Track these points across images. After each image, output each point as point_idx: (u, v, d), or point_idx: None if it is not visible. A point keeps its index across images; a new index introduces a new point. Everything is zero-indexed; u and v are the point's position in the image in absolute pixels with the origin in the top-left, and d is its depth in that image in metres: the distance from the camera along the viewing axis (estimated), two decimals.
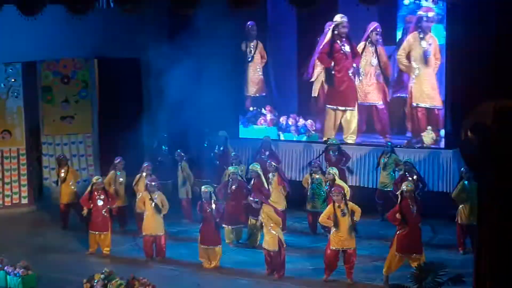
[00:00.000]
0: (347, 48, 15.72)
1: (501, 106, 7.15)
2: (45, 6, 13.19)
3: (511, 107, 7.15)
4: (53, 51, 16.47)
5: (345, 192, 12.12)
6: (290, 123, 16.38)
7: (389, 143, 14.87)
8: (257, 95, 16.95)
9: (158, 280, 11.48)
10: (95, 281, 11.26)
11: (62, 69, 17.07)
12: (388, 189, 14.54)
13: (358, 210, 11.87)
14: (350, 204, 11.87)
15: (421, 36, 14.86)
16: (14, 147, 16.45)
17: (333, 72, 15.86)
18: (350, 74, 15.80)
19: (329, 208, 12.00)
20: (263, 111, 16.80)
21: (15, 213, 16.12)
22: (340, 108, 15.88)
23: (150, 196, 13.03)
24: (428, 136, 15.04)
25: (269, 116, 16.67)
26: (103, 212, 13.42)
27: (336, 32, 15.68)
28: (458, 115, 14.45)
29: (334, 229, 11.70)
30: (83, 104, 17.31)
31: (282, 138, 16.54)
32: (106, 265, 11.86)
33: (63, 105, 17.12)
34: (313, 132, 16.23)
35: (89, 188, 13.63)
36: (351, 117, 15.83)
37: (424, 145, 15.06)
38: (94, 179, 13.75)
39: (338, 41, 15.71)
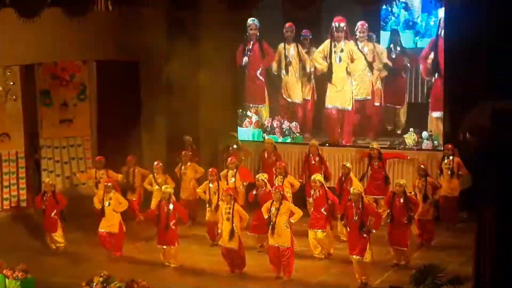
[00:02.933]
0: (255, 48, 16.77)
1: (499, 108, 7.15)
2: (43, 9, 13.19)
3: (509, 108, 7.15)
4: (51, 54, 16.44)
5: (285, 193, 12.64)
6: (275, 125, 16.66)
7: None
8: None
9: (157, 283, 11.49)
10: (94, 284, 11.25)
11: (60, 72, 17.03)
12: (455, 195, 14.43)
13: (298, 212, 12.34)
14: (288, 205, 12.25)
15: (334, 43, 15.80)
16: (12, 150, 16.40)
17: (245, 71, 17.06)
18: (258, 74, 16.80)
19: (267, 204, 12.35)
20: (249, 113, 17.05)
21: (14, 216, 16.08)
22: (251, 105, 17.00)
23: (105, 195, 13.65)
24: (410, 138, 15.40)
25: (254, 118, 16.97)
26: (52, 214, 13.94)
27: (247, 33, 16.75)
28: (456, 117, 14.47)
29: (270, 226, 12.15)
30: (82, 107, 17.27)
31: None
32: (105, 268, 11.84)
33: (61, 108, 17.10)
34: (297, 134, 16.50)
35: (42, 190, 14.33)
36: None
37: (407, 146, 15.42)
38: (46, 181, 14.58)
39: (248, 43, 16.82)
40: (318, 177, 13.23)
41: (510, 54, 13.34)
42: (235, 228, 12.27)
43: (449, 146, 14.36)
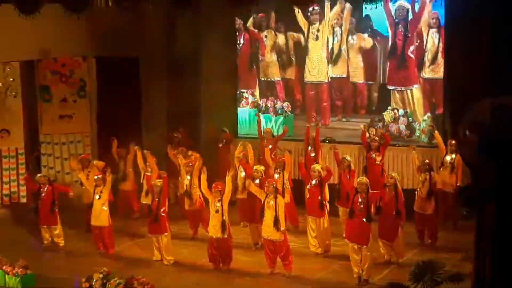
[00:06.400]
0: (246, 39, 17.38)
1: (498, 104, 7.12)
2: (43, 4, 13.18)
3: (508, 104, 7.13)
4: (51, 50, 16.43)
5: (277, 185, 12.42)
6: (268, 105, 17.35)
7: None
8: None
9: (156, 280, 11.49)
10: (94, 280, 11.28)
11: (60, 68, 17.01)
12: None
13: (286, 199, 12.48)
14: (281, 199, 12.19)
15: (313, 24, 16.51)
16: (12, 146, 16.43)
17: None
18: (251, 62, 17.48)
19: (261, 196, 12.37)
20: (245, 94, 17.60)
21: (14, 212, 16.10)
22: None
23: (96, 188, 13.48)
24: (388, 115, 15.86)
25: (250, 99, 17.56)
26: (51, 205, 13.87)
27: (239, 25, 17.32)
28: (456, 113, 14.46)
29: (262, 219, 12.15)
30: (82, 103, 17.26)
31: (261, 118, 17.06)
32: (105, 265, 11.86)
33: (61, 104, 17.08)
34: (289, 113, 17.12)
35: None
36: None
37: (385, 123, 15.84)
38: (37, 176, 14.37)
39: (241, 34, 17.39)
40: (317, 166, 13.31)
41: (511, 49, 13.34)
42: (225, 219, 12.27)
43: (453, 142, 14.23)
